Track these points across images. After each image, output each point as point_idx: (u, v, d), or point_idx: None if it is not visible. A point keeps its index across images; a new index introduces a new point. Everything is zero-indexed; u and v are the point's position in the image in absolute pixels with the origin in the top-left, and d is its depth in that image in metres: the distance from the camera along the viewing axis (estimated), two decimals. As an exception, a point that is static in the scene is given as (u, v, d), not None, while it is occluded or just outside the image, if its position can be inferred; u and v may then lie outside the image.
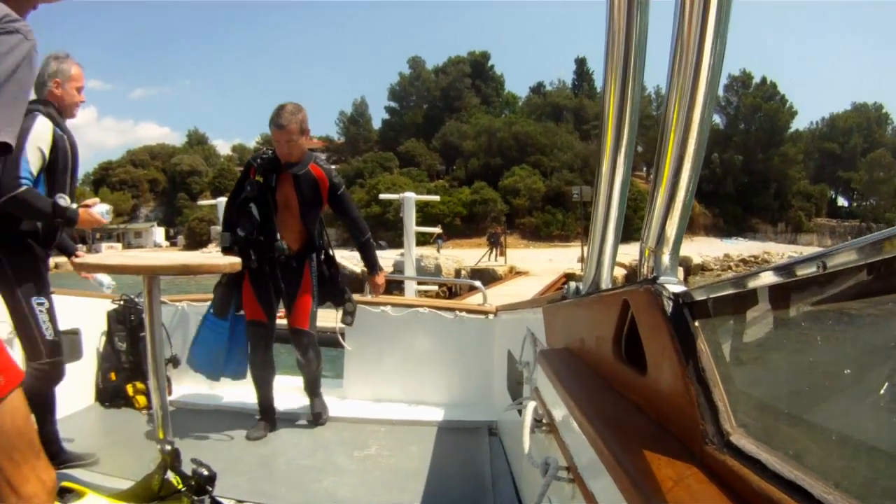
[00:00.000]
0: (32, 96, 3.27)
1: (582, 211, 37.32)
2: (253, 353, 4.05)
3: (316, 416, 4.14)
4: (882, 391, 0.69)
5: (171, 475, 2.70)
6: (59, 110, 3.37)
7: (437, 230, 39.13)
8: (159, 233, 78.34)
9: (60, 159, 3.23)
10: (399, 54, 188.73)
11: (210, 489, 2.71)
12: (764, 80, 76.75)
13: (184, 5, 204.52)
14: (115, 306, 4.56)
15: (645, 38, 1.32)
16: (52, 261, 3.44)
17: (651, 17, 1.31)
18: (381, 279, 4.32)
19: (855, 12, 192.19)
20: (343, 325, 4.42)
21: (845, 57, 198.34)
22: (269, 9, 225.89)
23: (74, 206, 3.17)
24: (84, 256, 2.74)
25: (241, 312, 4.10)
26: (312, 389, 4.24)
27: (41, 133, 3.12)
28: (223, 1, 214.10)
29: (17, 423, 1.53)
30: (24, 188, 2.96)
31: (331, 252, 4.28)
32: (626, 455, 0.96)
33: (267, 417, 4.09)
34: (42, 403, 3.33)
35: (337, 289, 4.29)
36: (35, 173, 3.07)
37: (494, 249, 36.91)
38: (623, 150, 1.46)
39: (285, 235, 3.95)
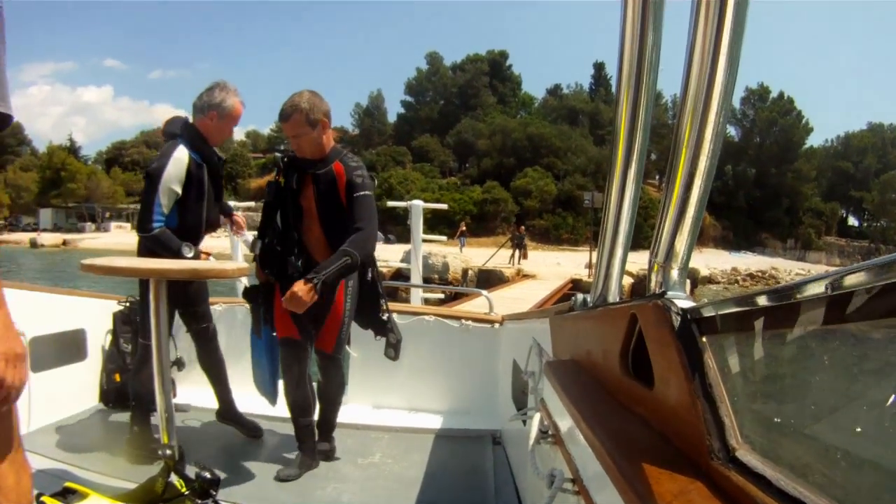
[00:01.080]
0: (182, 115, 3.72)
1: (592, 216, 36.93)
2: (285, 376, 3.56)
3: (321, 454, 3.63)
4: (887, 410, 0.71)
5: (174, 478, 2.72)
6: (204, 138, 3.60)
7: (462, 228, 38.26)
8: (170, 215, 78.31)
9: (194, 189, 3.55)
10: (417, 49, 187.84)
11: (213, 493, 2.73)
12: (781, 94, 76.45)
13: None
14: (122, 307, 4.52)
15: (658, 54, 1.32)
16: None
17: (665, 31, 1.32)
18: (305, 291, 3.08)
19: (878, 32, 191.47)
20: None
21: (864, 76, 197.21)
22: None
23: (191, 255, 3.50)
24: (96, 259, 2.78)
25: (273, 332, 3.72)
26: (325, 421, 3.73)
27: (173, 174, 3.44)
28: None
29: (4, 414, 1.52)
30: (156, 231, 3.40)
31: (371, 274, 3.67)
32: (631, 468, 0.97)
33: (305, 451, 3.58)
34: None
35: (377, 317, 3.71)
36: (167, 210, 3.46)
37: (518, 251, 34.79)
38: (633, 165, 1.46)
39: (311, 246, 3.46)
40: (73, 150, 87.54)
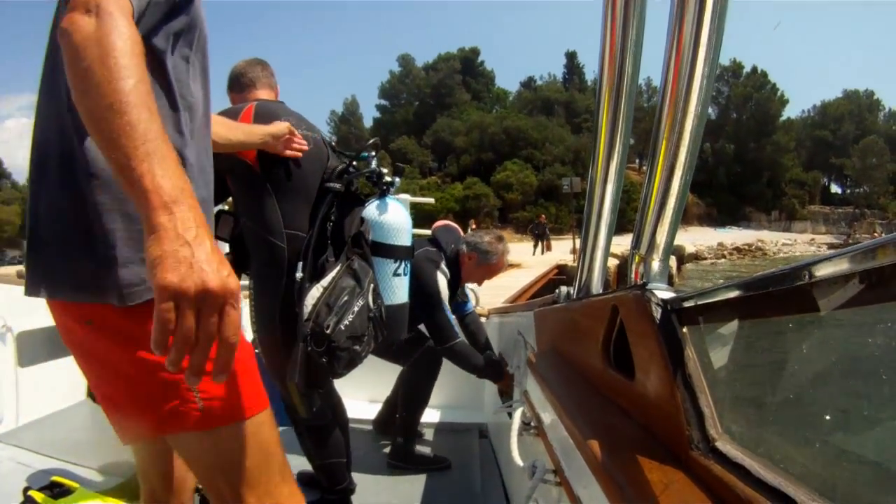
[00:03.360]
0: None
1: (574, 203, 36.74)
2: None
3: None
4: (866, 400, 0.71)
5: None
6: (459, 272, 3.45)
7: (473, 227, 37.92)
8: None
9: None
10: (389, 52, 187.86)
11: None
12: (755, 69, 76.95)
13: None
14: None
15: (640, 42, 1.32)
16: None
17: (647, 23, 1.32)
18: None
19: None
20: None
21: (837, 43, 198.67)
22: (259, 9, 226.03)
23: None
24: None
25: None
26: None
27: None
28: (215, 1, 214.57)
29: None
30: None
31: (301, 276, 2.20)
32: (612, 459, 0.97)
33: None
34: None
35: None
36: None
37: (541, 243, 33.80)
38: (615, 158, 1.46)
39: None
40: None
